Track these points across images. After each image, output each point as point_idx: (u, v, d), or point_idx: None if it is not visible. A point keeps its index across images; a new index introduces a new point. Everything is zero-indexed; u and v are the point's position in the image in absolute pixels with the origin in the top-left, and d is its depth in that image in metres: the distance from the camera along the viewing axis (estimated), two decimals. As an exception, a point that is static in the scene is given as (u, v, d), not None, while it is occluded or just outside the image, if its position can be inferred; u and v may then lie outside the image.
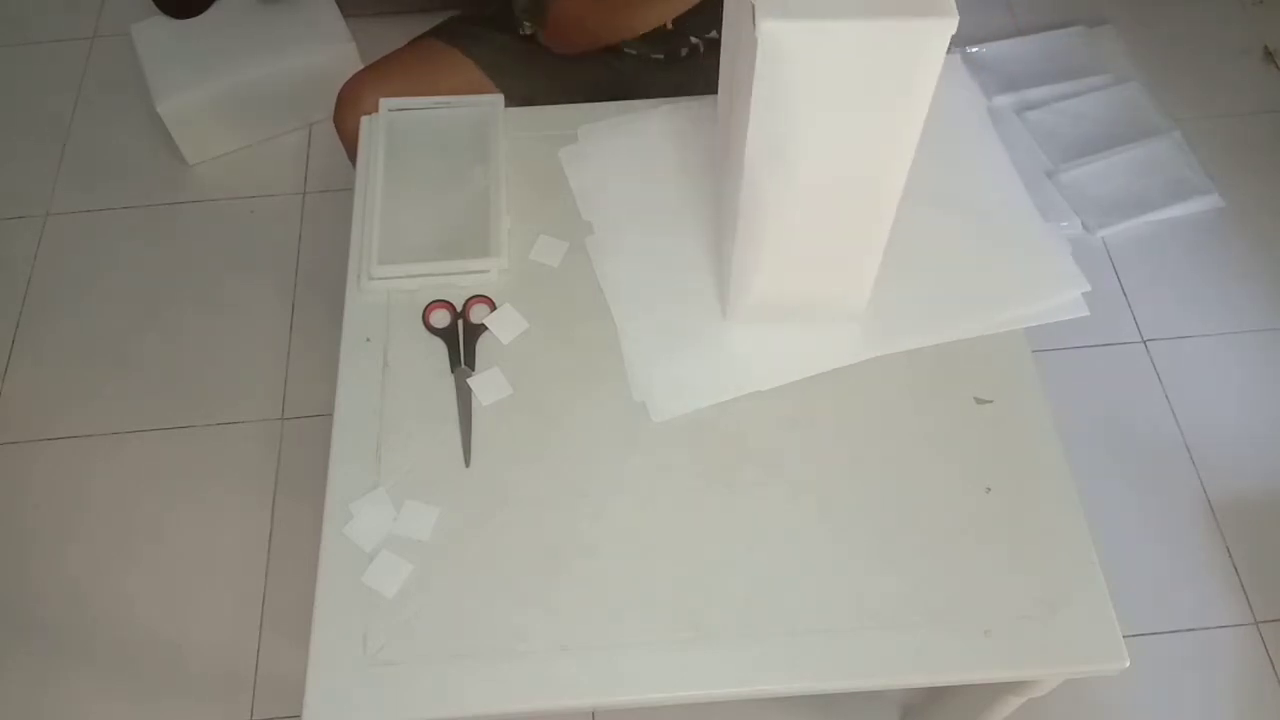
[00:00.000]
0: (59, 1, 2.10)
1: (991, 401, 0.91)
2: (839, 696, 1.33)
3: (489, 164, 1.05)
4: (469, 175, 1.05)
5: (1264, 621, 1.42)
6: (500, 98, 1.10)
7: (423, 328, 0.96)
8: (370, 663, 0.79)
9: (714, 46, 1.21)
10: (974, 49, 1.98)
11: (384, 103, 1.09)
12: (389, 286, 0.98)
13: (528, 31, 1.18)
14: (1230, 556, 1.47)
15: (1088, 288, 0.97)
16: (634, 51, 1.21)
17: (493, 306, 0.97)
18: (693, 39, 1.20)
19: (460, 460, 0.88)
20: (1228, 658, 1.40)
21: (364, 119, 1.09)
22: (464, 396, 0.92)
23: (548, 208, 1.04)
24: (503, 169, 1.04)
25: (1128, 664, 0.79)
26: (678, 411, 0.91)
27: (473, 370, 0.93)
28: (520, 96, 1.23)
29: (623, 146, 1.05)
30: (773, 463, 0.88)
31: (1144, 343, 1.68)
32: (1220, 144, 1.89)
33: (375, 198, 1.01)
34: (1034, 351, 0.94)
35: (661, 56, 1.22)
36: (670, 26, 1.17)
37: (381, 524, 0.85)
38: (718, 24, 1.17)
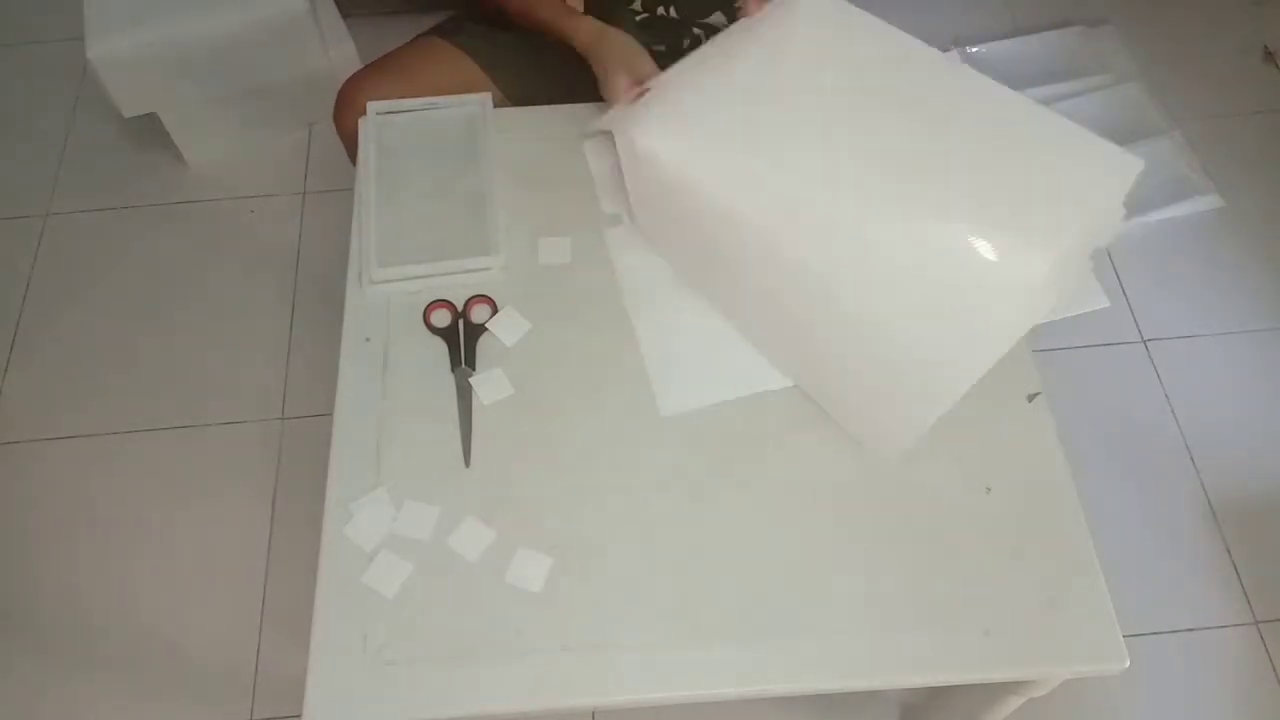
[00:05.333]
0: (59, 1, 2.10)
1: (1039, 394, 0.91)
2: (839, 696, 1.33)
3: (481, 162, 1.05)
4: (463, 174, 1.05)
5: (1264, 621, 1.42)
6: (489, 96, 1.10)
7: (423, 327, 0.96)
8: (370, 662, 0.79)
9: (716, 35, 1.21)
10: (974, 49, 1.98)
11: (371, 106, 1.09)
12: (390, 289, 0.98)
13: None
14: (1230, 556, 1.47)
15: (1106, 302, 0.96)
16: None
17: (493, 306, 0.97)
18: (695, 29, 1.20)
19: (460, 460, 0.88)
20: (1228, 658, 1.40)
21: (360, 121, 1.10)
22: (464, 396, 0.92)
23: (546, 207, 1.04)
24: (495, 166, 1.04)
25: (1128, 664, 0.79)
26: (686, 407, 0.91)
27: (473, 370, 0.93)
28: (521, 95, 1.23)
29: None
30: (773, 463, 0.88)
31: (1144, 343, 1.68)
32: (1220, 144, 1.89)
33: (370, 201, 1.02)
34: (1034, 352, 0.94)
35: (664, 48, 1.22)
36: (675, 15, 1.17)
37: (381, 524, 0.85)
38: (720, 6, 1.17)
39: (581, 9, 1.19)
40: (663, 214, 0.97)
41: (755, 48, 0.95)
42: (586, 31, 1.06)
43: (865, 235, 0.83)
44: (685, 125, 0.91)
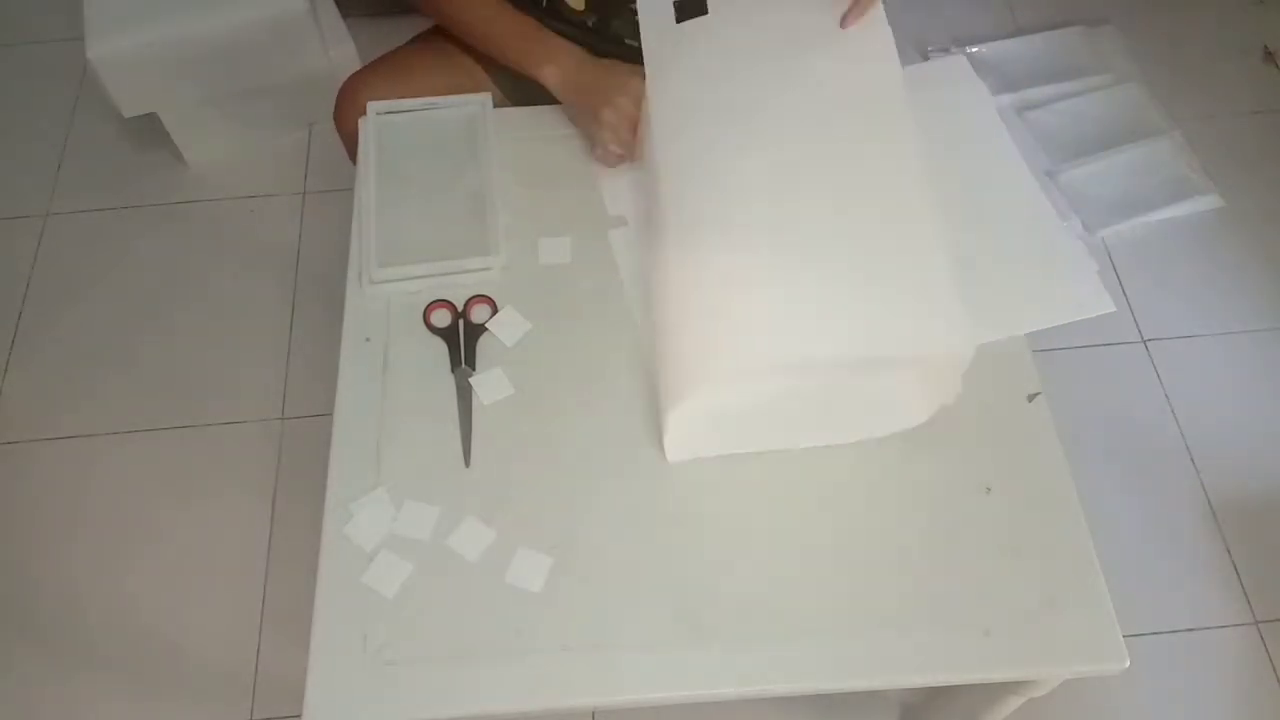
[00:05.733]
0: (59, 1, 2.10)
1: (1039, 394, 0.91)
2: (839, 696, 1.33)
3: (480, 162, 1.05)
4: (463, 174, 1.05)
5: (1264, 621, 1.42)
6: (488, 96, 1.10)
7: (423, 327, 0.96)
8: (370, 662, 0.79)
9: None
10: (974, 49, 1.98)
11: (371, 106, 1.09)
12: (390, 289, 0.98)
13: None
14: (1230, 556, 1.47)
15: (1112, 307, 0.96)
16: (635, 43, 1.21)
17: (493, 306, 0.97)
18: None
19: (460, 460, 0.88)
20: (1228, 658, 1.40)
21: (360, 121, 1.09)
22: (464, 396, 0.92)
23: (546, 207, 1.04)
24: (494, 166, 1.04)
25: (1128, 664, 0.79)
26: (691, 455, 0.88)
27: (473, 370, 0.93)
28: (521, 95, 1.23)
29: None
30: (772, 463, 0.88)
31: (1144, 343, 1.68)
32: (1220, 144, 1.89)
33: (370, 201, 1.02)
34: (1034, 351, 0.94)
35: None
36: None
37: (381, 524, 0.85)
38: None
39: (583, 6, 1.18)
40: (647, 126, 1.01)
41: (806, 69, 0.98)
42: (575, 53, 1.07)
43: (745, 238, 0.89)
44: (692, 72, 0.97)
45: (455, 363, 0.94)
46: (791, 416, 0.87)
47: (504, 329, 0.96)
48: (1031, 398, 0.91)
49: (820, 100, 0.96)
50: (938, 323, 0.86)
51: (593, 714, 1.29)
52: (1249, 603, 1.44)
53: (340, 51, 1.85)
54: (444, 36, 1.25)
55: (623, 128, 1.02)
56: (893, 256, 0.88)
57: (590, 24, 1.20)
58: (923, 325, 0.86)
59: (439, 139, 1.08)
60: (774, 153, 0.93)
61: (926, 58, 1.96)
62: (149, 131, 1.86)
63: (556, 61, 1.07)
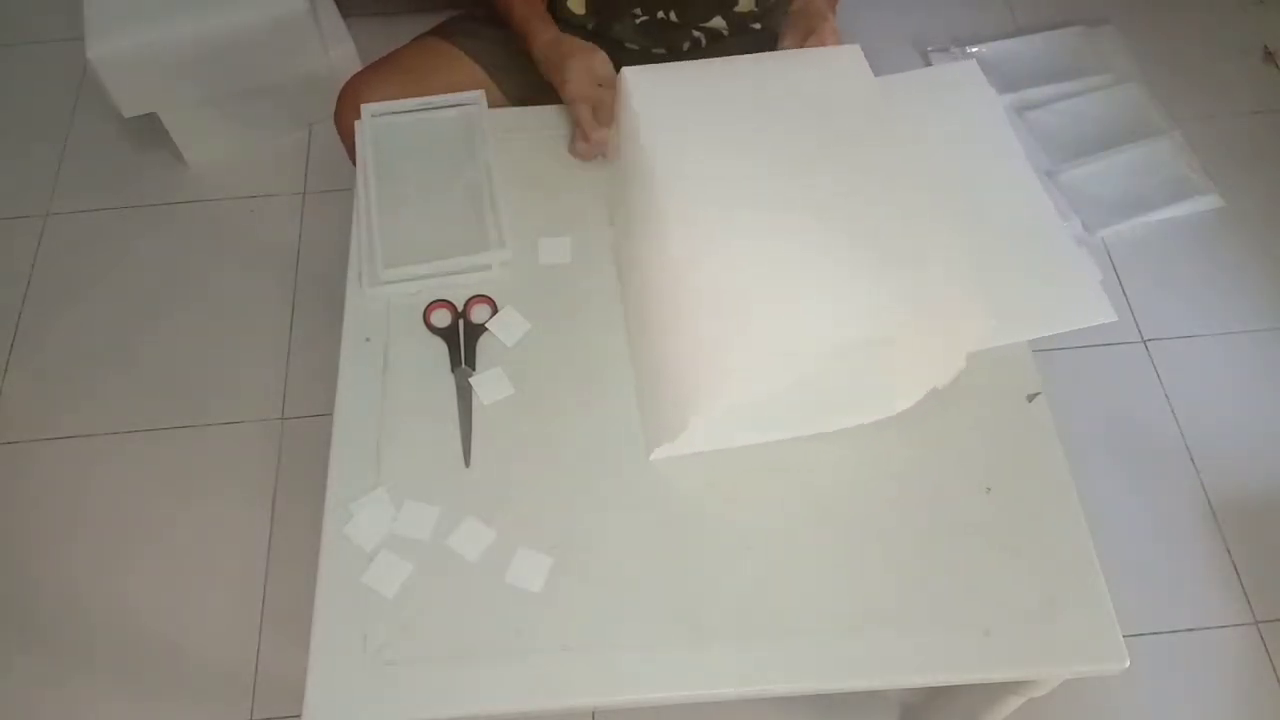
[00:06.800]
0: (59, 1, 2.10)
1: (1039, 394, 0.91)
2: (839, 696, 1.33)
3: (477, 160, 1.05)
4: (462, 172, 1.06)
5: (1264, 621, 1.42)
6: (482, 94, 1.10)
7: (423, 327, 0.96)
8: (370, 662, 0.79)
9: (716, 38, 1.21)
10: (974, 49, 1.98)
11: (366, 109, 1.09)
12: (390, 289, 0.98)
13: None
14: (1230, 556, 1.47)
15: (1114, 317, 0.95)
16: (635, 47, 1.21)
17: (493, 306, 0.97)
18: (695, 33, 1.20)
19: (460, 460, 0.89)
20: (1228, 658, 1.40)
21: (355, 124, 1.10)
22: (464, 396, 0.92)
23: (546, 207, 1.04)
24: (492, 163, 1.04)
25: (1128, 664, 0.79)
26: (677, 451, 0.88)
27: (473, 370, 0.93)
28: (521, 94, 1.23)
29: None
30: (773, 463, 0.88)
31: (1144, 343, 1.68)
32: (1220, 144, 1.89)
33: (370, 203, 1.02)
34: (1034, 352, 0.94)
35: (663, 51, 1.22)
36: (674, 18, 1.17)
37: (381, 524, 0.85)
38: (719, 10, 1.18)
39: (583, 10, 1.19)
40: (623, 147, 1.02)
41: (781, 78, 0.98)
42: (548, 34, 1.10)
43: (729, 241, 0.87)
44: (669, 93, 0.96)
45: (455, 363, 0.94)
46: (796, 404, 0.87)
47: (504, 329, 0.96)
48: (1031, 398, 0.91)
49: (804, 106, 0.96)
50: (955, 292, 0.85)
51: (593, 714, 1.29)
52: (1249, 603, 1.44)
53: (340, 51, 1.85)
54: (444, 37, 1.26)
55: (584, 120, 1.04)
56: (900, 236, 0.88)
57: (590, 27, 1.21)
58: (941, 295, 0.85)
59: (436, 139, 1.08)
60: (765, 151, 0.92)
61: (926, 57, 1.97)
62: (149, 131, 1.86)
63: (535, 36, 1.11)
